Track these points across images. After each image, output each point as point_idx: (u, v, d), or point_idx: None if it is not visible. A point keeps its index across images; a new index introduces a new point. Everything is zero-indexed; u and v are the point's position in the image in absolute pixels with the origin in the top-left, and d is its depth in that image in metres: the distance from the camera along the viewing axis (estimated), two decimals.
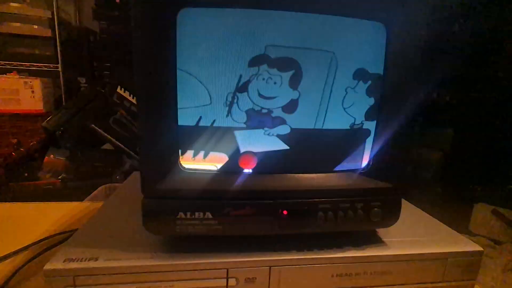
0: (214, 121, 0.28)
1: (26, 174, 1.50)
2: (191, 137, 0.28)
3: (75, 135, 1.62)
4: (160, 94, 0.26)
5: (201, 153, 0.29)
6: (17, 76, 1.64)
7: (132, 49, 0.24)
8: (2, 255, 0.39)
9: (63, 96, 1.82)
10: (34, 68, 1.74)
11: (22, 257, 0.40)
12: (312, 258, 0.30)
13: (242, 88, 0.27)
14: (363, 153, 0.31)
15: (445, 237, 0.35)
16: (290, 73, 0.28)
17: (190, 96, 0.27)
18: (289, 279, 0.30)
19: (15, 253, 0.40)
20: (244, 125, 0.28)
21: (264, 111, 0.28)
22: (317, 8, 0.26)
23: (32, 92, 1.68)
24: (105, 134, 1.62)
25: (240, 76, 0.27)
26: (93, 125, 1.61)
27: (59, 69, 1.78)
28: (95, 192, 0.73)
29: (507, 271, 1.27)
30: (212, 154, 0.29)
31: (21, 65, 1.72)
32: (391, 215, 0.31)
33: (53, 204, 0.57)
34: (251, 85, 0.27)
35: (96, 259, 0.27)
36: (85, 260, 0.27)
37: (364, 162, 0.32)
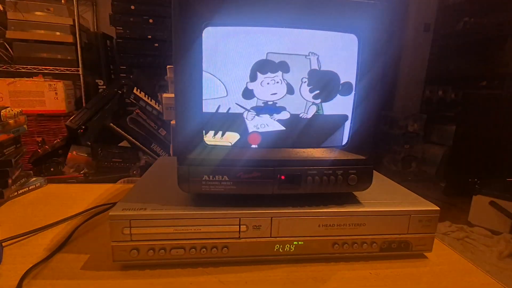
0: (229, 108, 0.38)
1: (52, 169, 1.63)
2: (212, 120, 0.38)
3: (95, 133, 1.75)
4: (190, 89, 0.36)
5: (219, 133, 0.39)
6: (43, 79, 1.78)
7: (173, 59, 0.34)
8: (64, 218, 0.51)
9: (83, 97, 1.96)
10: (57, 72, 1.88)
11: (78, 220, 0.51)
12: (303, 212, 0.39)
13: (249, 95, 0.37)
14: (343, 133, 0.41)
15: (410, 199, 0.44)
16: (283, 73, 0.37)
17: (212, 90, 0.37)
18: (285, 227, 0.39)
19: (73, 216, 0.51)
20: (255, 113, 0.38)
21: (269, 103, 0.38)
22: (304, 25, 0.36)
23: (56, 93, 1.81)
24: (123, 132, 1.74)
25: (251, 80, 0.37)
26: (111, 124, 1.73)
27: (80, 72, 1.92)
28: (116, 184, 0.85)
29: (502, 258, 1.34)
30: (227, 134, 0.39)
31: (46, 69, 1.86)
32: (364, 180, 0.41)
33: (92, 185, 0.68)
34: (257, 91, 0.37)
35: (145, 209, 0.37)
36: (137, 209, 0.37)
37: (344, 140, 0.41)
